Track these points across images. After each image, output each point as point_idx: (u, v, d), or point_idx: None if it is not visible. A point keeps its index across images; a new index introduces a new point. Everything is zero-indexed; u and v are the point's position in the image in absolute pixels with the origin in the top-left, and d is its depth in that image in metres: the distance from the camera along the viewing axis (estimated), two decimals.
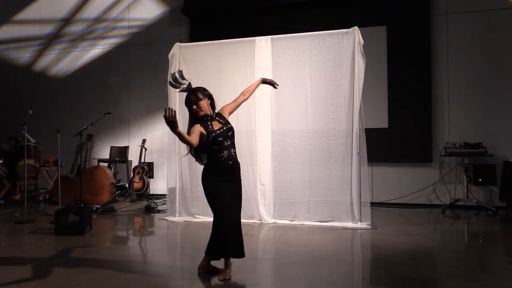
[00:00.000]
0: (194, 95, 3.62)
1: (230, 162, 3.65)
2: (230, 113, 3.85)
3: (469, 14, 7.17)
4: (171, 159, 6.49)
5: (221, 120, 3.70)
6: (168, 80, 3.77)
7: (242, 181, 3.84)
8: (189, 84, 3.69)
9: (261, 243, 5.11)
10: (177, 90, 3.72)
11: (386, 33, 7.54)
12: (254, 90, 4.04)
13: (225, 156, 3.63)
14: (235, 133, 3.79)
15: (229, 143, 3.65)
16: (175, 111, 3.12)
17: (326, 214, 5.85)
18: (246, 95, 3.96)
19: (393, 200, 7.34)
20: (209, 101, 3.67)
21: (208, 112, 3.66)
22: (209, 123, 3.64)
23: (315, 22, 7.09)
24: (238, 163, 3.77)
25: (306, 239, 5.18)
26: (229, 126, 3.68)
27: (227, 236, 3.60)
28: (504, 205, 6.69)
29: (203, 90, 3.69)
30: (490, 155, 6.77)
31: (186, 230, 5.93)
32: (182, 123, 6.38)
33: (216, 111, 3.78)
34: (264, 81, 4.11)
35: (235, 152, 3.72)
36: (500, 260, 4.45)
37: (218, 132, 3.62)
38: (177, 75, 3.67)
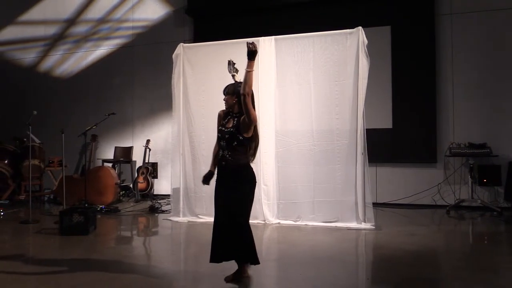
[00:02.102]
0: (226, 87, 3.69)
1: (223, 163, 3.60)
2: (242, 117, 3.54)
3: (474, 14, 7.14)
4: (175, 159, 6.50)
5: (234, 123, 3.61)
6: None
7: (242, 187, 3.59)
8: (233, 76, 3.77)
9: (265, 244, 5.10)
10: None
11: (390, 33, 7.53)
12: (248, 79, 3.42)
13: (220, 155, 3.64)
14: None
15: (224, 144, 3.59)
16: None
17: (330, 214, 5.84)
18: (243, 92, 3.44)
19: (398, 200, 7.32)
20: (236, 99, 3.59)
21: (232, 109, 3.63)
22: (229, 116, 3.68)
23: (319, 22, 7.09)
24: (235, 168, 3.56)
25: (310, 239, 5.17)
26: (231, 130, 3.57)
27: (212, 238, 3.65)
28: (509, 206, 6.66)
29: (238, 87, 3.58)
30: (495, 155, 6.74)
31: (190, 230, 5.93)
32: (186, 123, 6.44)
33: None
34: (250, 55, 3.43)
35: (230, 155, 3.55)
36: (505, 261, 4.42)
37: (221, 129, 3.64)
38: (231, 62, 3.79)
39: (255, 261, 3.61)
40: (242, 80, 3.51)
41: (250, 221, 3.65)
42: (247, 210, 3.63)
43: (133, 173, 8.76)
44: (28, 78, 9.99)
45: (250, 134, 3.57)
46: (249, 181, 3.63)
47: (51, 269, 4.07)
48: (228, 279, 3.61)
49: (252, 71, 3.45)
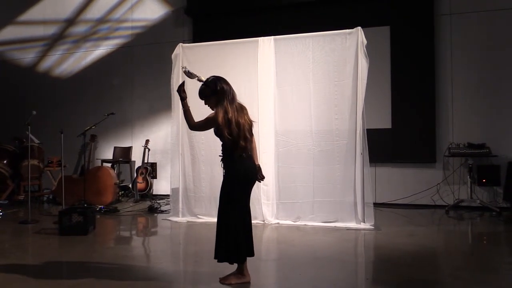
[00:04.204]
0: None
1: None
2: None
3: (473, 14, 7.16)
4: (174, 159, 6.49)
5: None
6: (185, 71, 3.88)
7: (225, 180, 3.65)
8: (199, 80, 3.79)
9: (264, 244, 5.10)
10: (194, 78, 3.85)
11: (389, 33, 7.53)
12: (185, 117, 3.81)
13: None
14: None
15: None
16: None
17: (330, 214, 5.84)
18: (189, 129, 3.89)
19: (397, 200, 7.33)
20: (209, 100, 3.73)
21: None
22: None
23: (318, 22, 7.09)
24: (223, 165, 3.65)
25: (309, 239, 5.17)
26: (214, 129, 3.66)
27: None
28: (508, 206, 6.66)
29: (202, 87, 3.74)
30: (494, 155, 6.75)
31: (189, 230, 5.93)
32: (184, 123, 6.42)
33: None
34: (180, 91, 3.81)
35: (221, 152, 3.66)
36: (504, 261, 4.43)
37: None
38: (187, 71, 3.85)
39: (230, 261, 3.55)
40: (205, 78, 3.73)
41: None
42: (232, 207, 3.54)
43: (132, 173, 8.76)
44: (27, 78, 9.99)
45: (225, 132, 3.52)
46: (232, 176, 3.58)
47: (50, 269, 4.07)
48: (222, 279, 3.58)
49: (186, 109, 3.77)
